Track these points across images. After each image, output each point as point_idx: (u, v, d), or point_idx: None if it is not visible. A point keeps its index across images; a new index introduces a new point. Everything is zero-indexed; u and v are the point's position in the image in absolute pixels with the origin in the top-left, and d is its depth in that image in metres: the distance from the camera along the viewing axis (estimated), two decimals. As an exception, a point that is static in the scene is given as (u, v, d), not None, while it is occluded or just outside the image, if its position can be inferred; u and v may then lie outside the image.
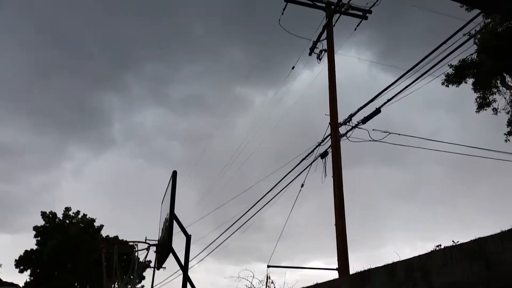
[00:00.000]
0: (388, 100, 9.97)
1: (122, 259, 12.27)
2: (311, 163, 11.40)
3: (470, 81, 12.20)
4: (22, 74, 61.12)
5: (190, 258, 7.22)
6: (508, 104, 12.08)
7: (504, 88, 12.00)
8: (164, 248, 7.23)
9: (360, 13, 12.23)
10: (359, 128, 10.67)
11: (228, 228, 15.77)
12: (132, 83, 69.86)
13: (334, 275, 9.65)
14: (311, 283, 7.65)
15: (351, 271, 8.47)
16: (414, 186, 54.22)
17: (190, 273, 6.68)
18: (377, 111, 10.24)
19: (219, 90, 71.96)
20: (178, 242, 6.90)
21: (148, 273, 34.06)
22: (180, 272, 6.70)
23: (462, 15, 9.03)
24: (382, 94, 10.04)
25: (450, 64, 11.78)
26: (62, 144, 69.45)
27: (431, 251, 4.61)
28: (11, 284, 9.36)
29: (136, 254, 11.09)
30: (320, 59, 12.60)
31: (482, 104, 12.21)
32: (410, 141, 10.89)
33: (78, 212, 33.55)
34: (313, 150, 11.43)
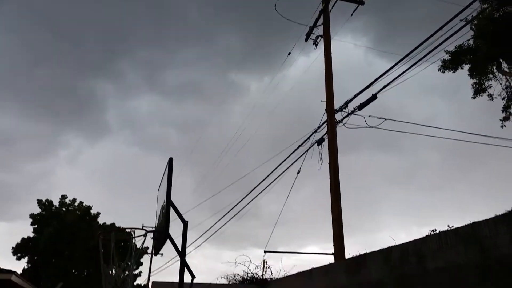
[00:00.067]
0: (385, 86, 9.96)
1: (119, 245, 12.30)
2: (307, 150, 11.43)
3: (466, 67, 12.18)
4: (14, 62, 60.50)
5: (188, 244, 7.27)
6: (504, 89, 12.10)
7: (500, 74, 12.00)
8: (161, 235, 7.25)
9: (357, -2, 12.12)
10: (355, 114, 10.67)
11: (224, 215, 15.87)
12: (126, 69, 69.36)
13: (330, 259, 9.76)
14: (307, 268, 7.77)
15: (347, 256, 8.56)
16: (410, 172, 54.55)
17: (187, 259, 6.73)
18: (373, 97, 10.24)
19: (215, 76, 71.60)
20: (175, 228, 6.93)
21: (145, 259, 34.29)
22: (178, 258, 6.74)
23: (459, 1, 8.97)
24: (378, 80, 10.03)
25: (447, 50, 11.75)
26: (56, 131, 69.14)
27: (426, 235, 4.66)
28: (9, 271, 9.42)
29: (133, 240, 11.14)
30: (316, 45, 12.53)
31: (478, 90, 12.21)
32: (406, 127, 10.93)
33: (74, 200, 33.57)
34: (309, 137, 11.45)
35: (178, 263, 6.60)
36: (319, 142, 11.10)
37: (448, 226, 4.43)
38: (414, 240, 4.80)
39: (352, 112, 10.68)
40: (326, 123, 10.89)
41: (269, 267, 10.26)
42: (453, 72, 12.15)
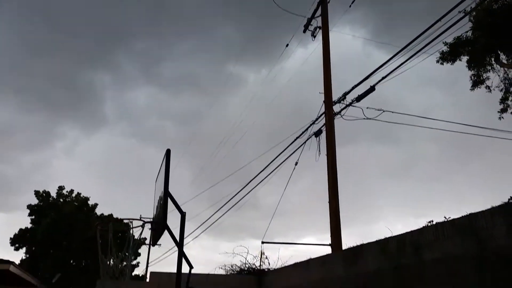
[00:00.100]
0: (383, 78, 9.95)
1: (117, 236, 12.32)
2: (305, 142, 11.43)
3: (465, 59, 12.18)
4: (9, 52, 60.00)
5: (185, 235, 7.29)
6: (501, 81, 12.11)
7: (498, 66, 12.01)
8: (159, 225, 7.28)
9: (356, -11, 12.04)
10: (353, 106, 10.67)
11: (222, 206, 15.91)
12: (123, 61, 68.87)
13: (327, 250, 9.82)
14: (305, 259, 7.81)
15: (344, 247, 8.62)
16: (408, 163, 54.71)
17: (185, 250, 6.76)
18: (371, 89, 10.22)
19: (212, 68, 71.22)
20: (173, 219, 6.96)
21: (143, 250, 34.43)
22: (176, 248, 6.77)
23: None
24: (376, 72, 10.00)
25: (445, 42, 11.73)
26: (52, 123, 68.83)
27: (423, 226, 4.68)
28: (7, 261, 9.47)
29: (131, 231, 11.16)
30: (314, 37, 12.48)
31: (477, 81, 12.23)
32: (404, 119, 10.93)
33: (71, 191, 33.56)
34: (307, 129, 11.45)
35: (176, 253, 6.63)
36: (317, 134, 11.10)
37: (445, 217, 4.46)
38: (411, 231, 4.83)
39: (350, 104, 10.68)
40: (324, 115, 10.88)
41: (266, 258, 10.33)
42: (451, 64, 12.15)
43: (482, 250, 3.79)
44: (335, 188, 9.82)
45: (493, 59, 11.95)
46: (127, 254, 11.11)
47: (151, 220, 8.41)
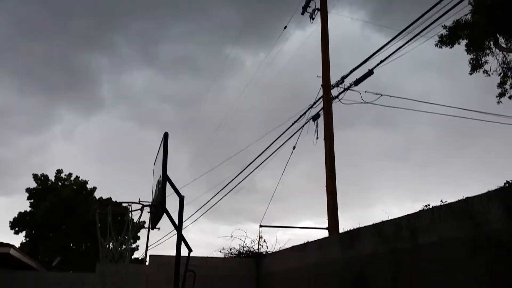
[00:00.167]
0: (381, 62, 9.90)
1: (116, 220, 12.40)
2: (302, 126, 11.43)
3: (463, 42, 12.10)
4: (6, 36, 59.25)
5: (184, 218, 7.35)
6: (500, 65, 12.07)
7: (497, 50, 11.95)
8: (158, 209, 7.32)
9: (355, -29, 11.91)
10: (351, 90, 10.64)
11: (220, 190, 15.98)
12: (120, 42, 68.11)
13: (324, 234, 9.92)
14: (302, 242, 7.90)
15: (341, 230, 8.70)
16: (405, 147, 54.85)
17: (184, 233, 6.81)
18: (370, 72, 10.18)
19: (210, 50, 70.66)
20: (171, 203, 6.99)
21: (142, 233, 34.71)
22: (175, 232, 6.83)
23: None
24: (375, 56, 9.95)
25: (444, 25, 11.65)
26: (49, 106, 68.43)
27: (420, 210, 4.73)
28: (7, 244, 9.54)
29: (130, 215, 11.21)
30: (313, 19, 12.37)
31: (475, 66, 12.17)
32: (402, 103, 10.92)
33: (70, 175, 33.58)
34: (305, 113, 11.44)
35: (175, 237, 6.68)
36: (315, 118, 11.09)
37: (441, 201, 4.50)
38: (408, 215, 4.88)
39: (348, 88, 10.64)
40: (322, 99, 10.86)
41: (264, 241, 10.42)
42: (450, 48, 12.08)
43: (478, 233, 3.84)
44: (333, 172, 9.87)
45: (492, 43, 11.88)
46: (126, 237, 11.17)
47: (150, 203, 8.45)
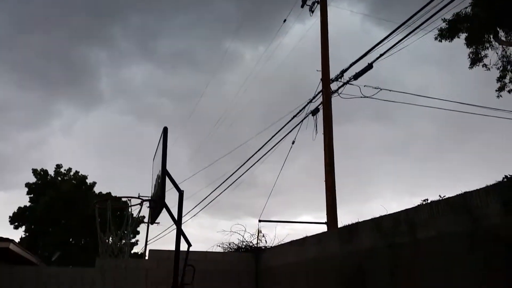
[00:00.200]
0: (381, 55, 9.86)
1: (115, 214, 12.40)
2: (302, 120, 11.41)
3: (463, 36, 12.03)
4: (3, 29, 58.95)
5: (184, 213, 7.35)
6: (499, 59, 12.01)
7: (496, 43, 11.88)
8: (157, 204, 7.32)
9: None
10: (351, 84, 10.61)
11: (220, 185, 15.99)
12: (118, 36, 67.79)
13: (323, 228, 9.94)
14: (301, 237, 7.91)
15: (340, 225, 8.71)
16: (404, 142, 54.85)
17: (183, 228, 6.81)
18: (369, 66, 10.14)
19: (209, 44, 70.41)
20: (171, 197, 7.00)
21: (142, 228, 34.77)
22: (174, 226, 6.83)
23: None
24: (374, 49, 9.91)
25: (444, 18, 11.57)
26: (48, 100, 68.31)
27: (418, 205, 4.72)
28: (7, 239, 9.55)
29: (129, 209, 11.22)
30: (312, 12, 12.29)
31: (475, 59, 12.10)
32: (401, 97, 10.89)
33: (69, 169, 33.59)
34: (304, 107, 11.41)
35: (175, 232, 6.69)
36: (314, 112, 11.07)
37: (439, 196, 4.49)
38: (406, 209, 4.88)
39: (347, 82, 10.61)
40: (321, 93, 10.84)
41: (263, 236, 10.44)
42: (449, 41, 12.02)
43: (476, 228, 3.84)
44: (331, 166, 9.87)
45: (492, 36, 11.81)
46: (126, 232, 11.19)
47: (150, 198, 8.45)
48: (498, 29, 11.58)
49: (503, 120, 11.11)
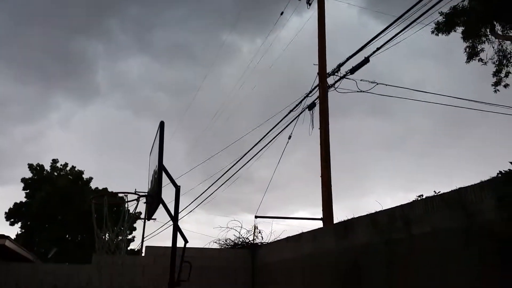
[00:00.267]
0: (378, 49, 9.83)
1: (112, 210, 12.36)
2: (298, 115, 11.38)
3: (460, 30, 11.98)
4: (-1, 23, 58.47)
5: (180, 209, 7.32)
6: (495, 53, 11.98)
7: (493, 37, 11.84)
8: (154, 199, 7.28)
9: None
10: (347, 78, 10.57)
11: (216, 181, 15.98)
12: (115, 29, 67.40)
13: (319, 225, 9.94)
14: (297, 233, 7.91)
15: (335, 221, 8.72)
16: (400, 137, 54.95)
17: (180, 224, 6.79)
18: (366, 60, 10.11)
19: (205, 37, 70.06)
20: (168, 193, 6.96)
21: (138, 224, 34.71)
22: (171, 223, 6.81)
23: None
24: (371, 43, 9.87)
25: (441, 12, 11.52)
26: (45, 94, 68.02)
27: (413, 200, 4.72)
28: (3, 236, 9.50)
29: (126, 205, 11.21)
30: (310, 4, 12.21)
31: (471, 54, 12.06)
32: (398, 92, 10.89)
33: (66, 164, 33.42)
34: (300, 102, 11.38)
35: (171, 228, 6.67)
36: (311, 107, 11.05)
37: (434, 191, 4.48)
38: (401, 205, 4.88)
39: (344, 76, 10.58)
40: (318, 87, 10.80)
41: (259, 232, 10.45)
42: (446, 35, 11.98)
43: (471, 224, 3.84)
44: (327, 161, 9.86)
45: (488, 30, 11.77)
46: (122, 228, 11.20)
47: (146, 194, 8.42)
48: (495, 22, 11.54)
49: (499, 115, 11.12)
